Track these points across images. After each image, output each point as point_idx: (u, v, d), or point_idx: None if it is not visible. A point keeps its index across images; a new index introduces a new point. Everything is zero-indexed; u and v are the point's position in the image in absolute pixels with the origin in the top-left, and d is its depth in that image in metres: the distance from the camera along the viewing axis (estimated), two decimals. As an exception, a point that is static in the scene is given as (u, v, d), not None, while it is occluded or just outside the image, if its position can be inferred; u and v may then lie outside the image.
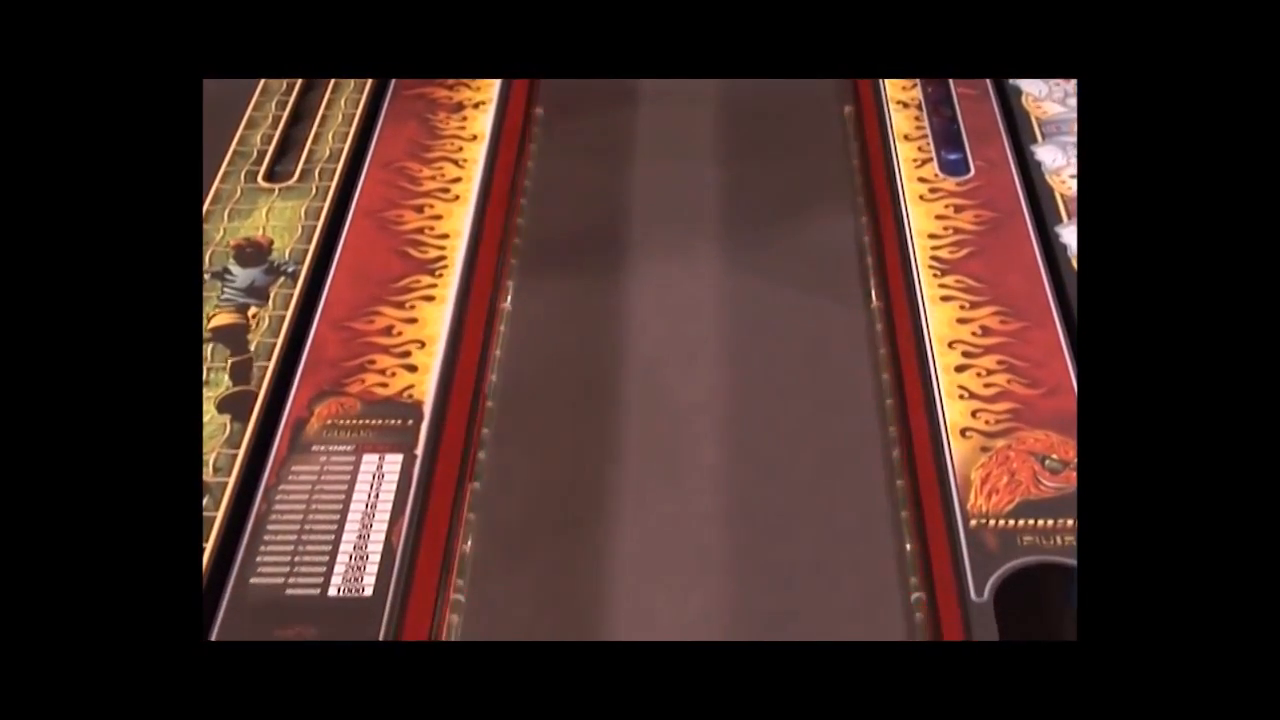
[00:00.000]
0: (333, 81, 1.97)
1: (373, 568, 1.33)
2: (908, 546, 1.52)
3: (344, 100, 1.94)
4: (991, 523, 1.38)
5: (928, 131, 1.89)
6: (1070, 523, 1.36)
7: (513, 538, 1.55)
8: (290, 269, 1.65)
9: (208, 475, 1.40)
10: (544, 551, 1.54)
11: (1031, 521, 1.38)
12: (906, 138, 1.88)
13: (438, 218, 1.75)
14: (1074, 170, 1.78)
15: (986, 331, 1.58)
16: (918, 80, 1.98)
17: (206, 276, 1.64)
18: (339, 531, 1.36)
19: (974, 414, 1.48)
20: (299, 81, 1.98)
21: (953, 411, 1.49)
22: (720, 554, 1.54)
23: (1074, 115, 1.88)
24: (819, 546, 1.55)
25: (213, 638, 1.28)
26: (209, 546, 1.35)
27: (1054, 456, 1.43)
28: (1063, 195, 1.75)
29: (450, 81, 1.99)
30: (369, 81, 1.97)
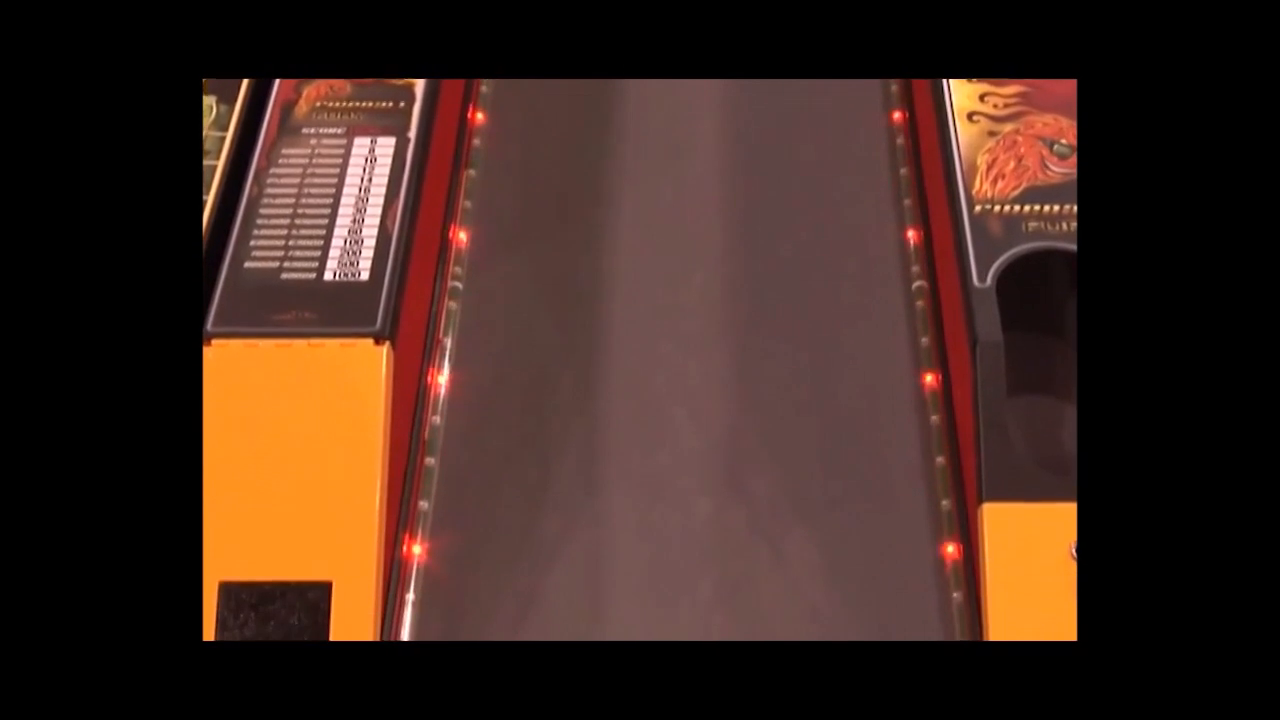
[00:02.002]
0: None
1: (368, 252, 1.31)
2: (910, 234, 1.50)
3: None
4: (997, 209, 1.35)
5: None
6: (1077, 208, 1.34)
7: (510, 225, 1.52)
8: (272, -54, 1.58)
9: (196, 159, 1.37)
10: (542, 238, 1.52)
11: (1037, 207, 1.35)
12: None
13: (426, -108, 1.67)
14: None
15: (997, 13, 1.53)
16: None
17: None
18: (333, 215, 1.33)
19: (982, 98, 1.44)
20: None
21: (960, 95, 1.44)
22: (719, 242, 1.52)
23: None
24: (818, 237, 1.53)
25: (209, 325, 1.27)
26: (201, 231, 1.32)
27: (1063, 141, 1.40)
28: None
29: None
30: None
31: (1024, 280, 1.33)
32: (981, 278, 1.31)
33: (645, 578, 1.29)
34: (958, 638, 1.24)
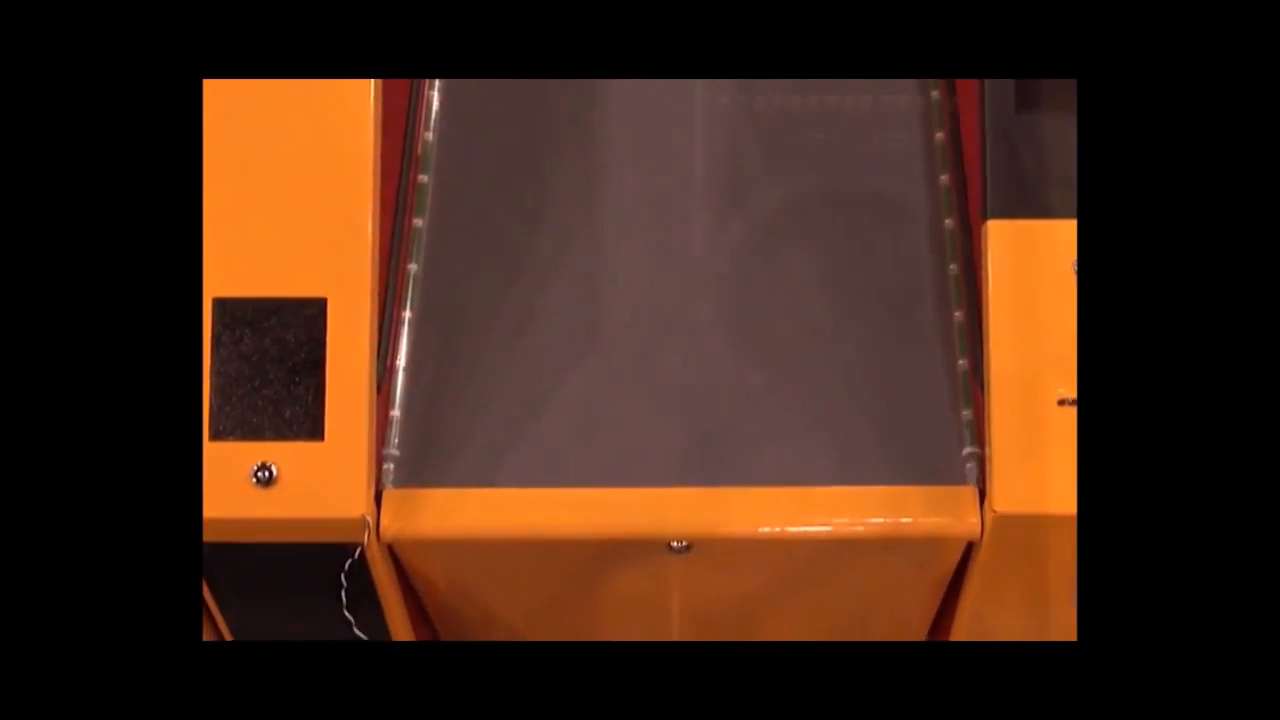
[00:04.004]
0: None
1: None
2: None
3: None
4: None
5: None
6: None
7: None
8: None
9: None
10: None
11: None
12: None
13: None
14: None
15: None
16: None
17: None
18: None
19: None
20: None
21: None
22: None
23: None
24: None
25: None
26: None
27: None
28: None
29: None
30: None
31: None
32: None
33: (643, 293, 1.29)
34: (957, 356, 1.25)
